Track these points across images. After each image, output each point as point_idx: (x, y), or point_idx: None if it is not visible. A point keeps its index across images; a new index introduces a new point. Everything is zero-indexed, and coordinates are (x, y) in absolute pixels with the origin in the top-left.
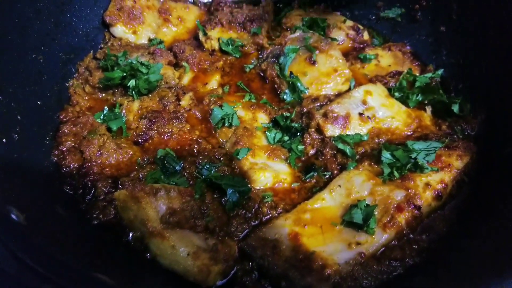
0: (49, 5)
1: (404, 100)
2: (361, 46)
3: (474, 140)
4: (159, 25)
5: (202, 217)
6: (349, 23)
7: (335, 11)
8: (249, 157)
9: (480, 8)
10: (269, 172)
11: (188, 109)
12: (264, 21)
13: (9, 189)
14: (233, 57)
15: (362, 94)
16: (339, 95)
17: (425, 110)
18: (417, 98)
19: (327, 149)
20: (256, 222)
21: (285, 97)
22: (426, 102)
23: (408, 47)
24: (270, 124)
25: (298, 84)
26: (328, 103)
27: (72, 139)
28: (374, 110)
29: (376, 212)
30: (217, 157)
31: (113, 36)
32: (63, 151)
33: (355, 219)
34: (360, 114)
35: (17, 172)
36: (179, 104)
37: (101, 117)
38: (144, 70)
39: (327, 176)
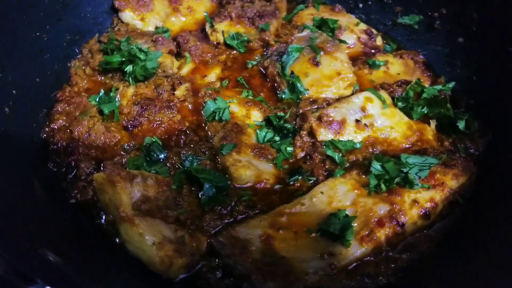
0: None
1: (407, 111)
2: (373, 51)
3: (477, 160)
4: (168, 14)
5: (175, 208)
6: (363, 26)
7: (350, 14)
8: (234, 153)
9: (502, 22)
10: (252, 170)
11: (182, 99)
12: (274, 17)
13: None
14: (238, 51)
15: (362, 101)
16: (340, 99)
17: (429, 123)
18: (422, 110)
19: (316, 154)
20: (231, 219)
21: (283, 96)
22: (431, 115)
23: (421, 56)
24: (263, 123)
25: (298, 84)
26: (326, 106)
27: (64, 118)
28: (373, 118)
29: (355, 224)
30: (202, 150)
31: (121, 22)
32: (54, 129)
33: (332, 228)
34: (357, 121)
35: (1, 144)
36: (173, 94)
37: (96, 99)
38: (142, 56)
39: (312, 181)
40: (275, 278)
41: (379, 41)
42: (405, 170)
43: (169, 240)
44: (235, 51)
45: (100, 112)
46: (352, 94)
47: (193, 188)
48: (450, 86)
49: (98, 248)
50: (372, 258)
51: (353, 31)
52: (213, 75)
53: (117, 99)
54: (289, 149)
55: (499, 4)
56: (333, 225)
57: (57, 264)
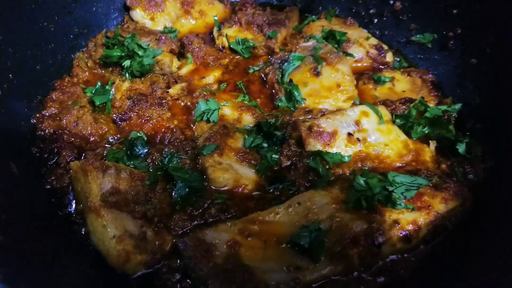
0: None
1: (407, 130)
2: (381, 67)
3: (475, 187)
4: (178, 16)
5: (144, 204)
6: (373, 41)
7: (363, 28)
8: (215, 155)
9: None
10: (230, 174)
11: (176, 98)
12: (283, 26)
13: None
14: (242, 56)
15: (357, 114)
16: (335, 111)
17: (428, 144)
18: (423, 130)
19: (301, 164)
20: (201, 222)
21: (279, 104)
22: (432, 136)
23: (430, 75)
24: (254, 128)
25: (296, 93)
26: (319, 117)
27: (57, 106)
28: (367, 133)
29: (327, 239)
30: (185, 149)
31: (132, 20)
32: (44, 115)
33: (302, 241)
34: (349, 134)
35: None
36: (167, 92)
37: (92, 91)
38: (140, 52)
39: (292, 191)
40: (231, 286)
41: (389, 57)
42: (390, 188)
43: (130, 235)
44: (238, 56)
45: (92, 103)
46: None
47: (168, 186)
48: (456, 107)
49: (61, 236)
50: (341, 278)
51: (362, 45)
52: (211, 77)
53: (111, 92)
54: (275, 156)
55: None
56: (304, 237)
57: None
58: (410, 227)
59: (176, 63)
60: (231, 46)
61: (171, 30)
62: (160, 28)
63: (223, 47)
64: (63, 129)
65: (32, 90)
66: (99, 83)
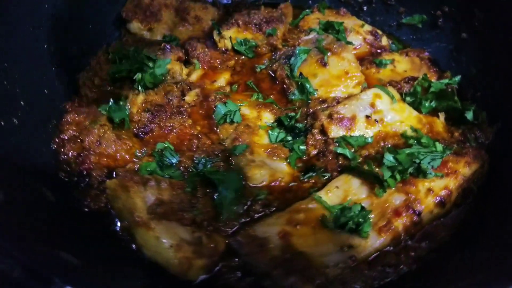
0: None
1: (416, 106)
2: (379, 51)
3: (488, 149)
4: (175, 24)
5: (190, 210)
6: (368, 27)
7: (355, 17)
8: (247, 154)
9: (503, 15)
10: (266, 170)
11: (193, 104)
12: (280, 23)
13: None
14: (246, 57)
15: (371, 97)
16: (349, 97)
17: (438, 116)
18: (431, 104)
19: (329, 150)
20: (248, 219)
21: (293, 97)
22: (439, 108)
23: (426, 53)
24: (275, 124)
25: (307, 85)
26: (336, 104)
27: (74, 128)
28: (383, 113)
29: (371, 216)
30: (215, 152)
31: (129, 33)
32: (64, 139)
33: (348, 221)
34: (367, 116)
35: (10, 154)
36: (184, 99)
37: (106, 108)
38: (150, 64)
39: (326, 177)
40: (296, 273)
41: (384, 41)
42: (417, 160)
43: (187, 242)
44: (243, 57)
45: (110, 120)
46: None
47: (207, 190)
48: (456, 79)
49: (114, 254)
50: (391, 248)
51: (358, 33)
52: (222, 80)
53: (127, 107)
54: (302, 147)
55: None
56: (350, 218)
57: (76, 265)
58: (443, 192)
59: (184, 70)
60: (235, 47)
61: (171, 38)
62: (159, 37)
63: (226, 49)
64: (87, 150)
65: (46, 115)
66: (112, 100)
